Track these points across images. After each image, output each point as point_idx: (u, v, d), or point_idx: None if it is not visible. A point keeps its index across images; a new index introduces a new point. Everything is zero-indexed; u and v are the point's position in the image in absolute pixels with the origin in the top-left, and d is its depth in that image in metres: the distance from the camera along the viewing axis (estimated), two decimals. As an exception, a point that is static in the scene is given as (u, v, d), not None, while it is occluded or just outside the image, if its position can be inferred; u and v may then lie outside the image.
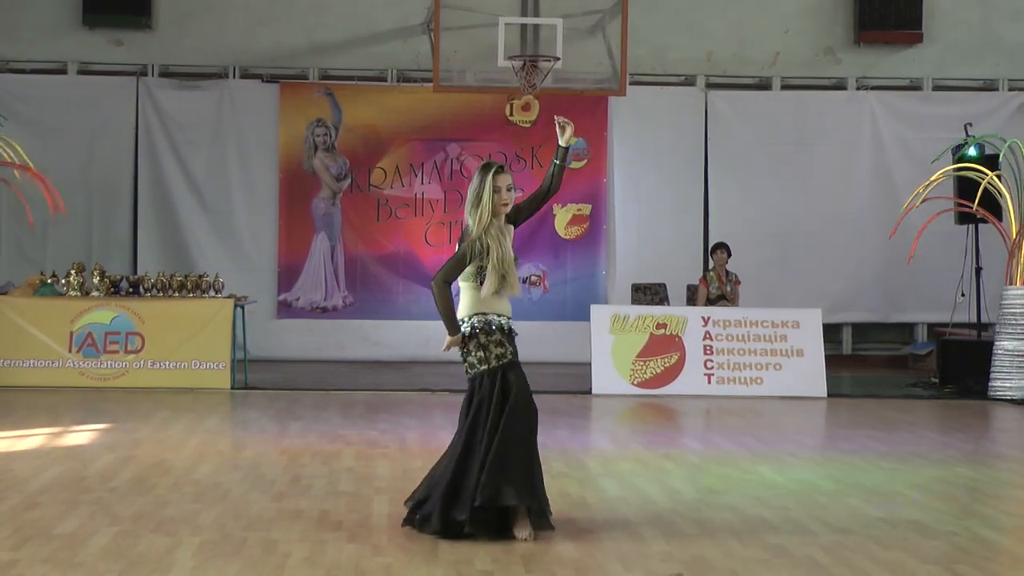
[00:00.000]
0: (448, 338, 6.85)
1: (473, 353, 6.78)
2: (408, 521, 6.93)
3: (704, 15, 17.92)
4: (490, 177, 6.77)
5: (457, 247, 6.85)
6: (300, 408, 12.27)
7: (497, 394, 6.72)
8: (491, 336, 6.77)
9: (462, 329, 6.81)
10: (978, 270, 15.12)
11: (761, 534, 6.98)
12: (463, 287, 6.86)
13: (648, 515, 7.43)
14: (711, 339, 13.96)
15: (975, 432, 11.68)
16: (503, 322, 6.82)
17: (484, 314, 6.79)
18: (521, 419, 6.71)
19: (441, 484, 6.76)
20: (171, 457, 9.25)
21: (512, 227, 6.93)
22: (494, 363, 6.74)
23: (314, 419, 11.49)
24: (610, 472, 8.92)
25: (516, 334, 6.91)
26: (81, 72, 17.33)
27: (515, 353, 6.84)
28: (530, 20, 14.26)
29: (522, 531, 6.67)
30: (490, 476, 6.58)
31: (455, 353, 6.92)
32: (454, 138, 17.40)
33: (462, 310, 6.84)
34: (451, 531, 6.65)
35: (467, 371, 6.85)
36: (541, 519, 6.79)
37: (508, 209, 6.83)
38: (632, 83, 16.02)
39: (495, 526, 6.69)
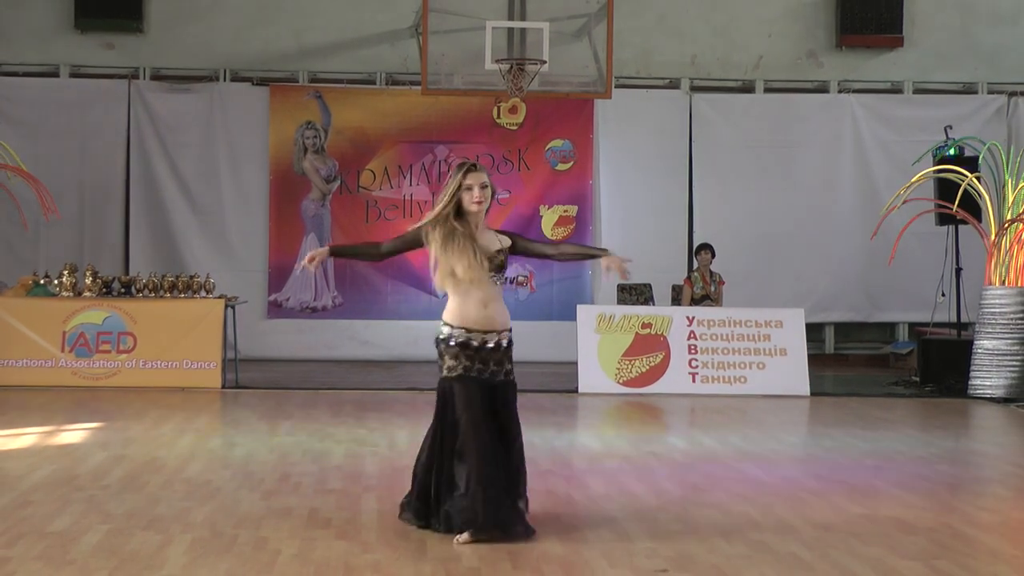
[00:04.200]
0: (318, 250, 6.92)
1: (439, 360, 6.88)
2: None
3: (688, 19, 18.01)
4: (460, 174, 6.80)
5: None
6: (290, 407, 12.32)
7: (440, 407, 6.84)
8: (450, 348, 6.80)
9: (437, 329, 6.90)
10: (958, 270, 15.24)
11: (745, 531, 7.04)
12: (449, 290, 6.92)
13: (634, 512, 7.49)
14: (696, 338, 14.06)
15: (955, 430, 11.79)
16: (468, 337, 6.77)
17: (451, 325, 6.82)
18: (459, 439, 6.70)
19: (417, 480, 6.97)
20: (162, 455, 9.30)
21: (495, 233, 7.00)
22: (445, 373, 6.83)
23: (304, 418, 11.54)
24: (596, 470, 8.98)
25: (490, 347, 6.83)
26: (73, 75, 17.35)
27: (470, 368, 6.74)
28: (517, 24, 14.26)
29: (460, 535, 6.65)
30: (471, 499, 6.58)
31: None
32: (442, 140, 17.48)
33: (446, 313, 6.90)
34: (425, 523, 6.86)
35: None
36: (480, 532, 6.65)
37: (481, 207, 6.80)
38: (617, 86, 16.10)
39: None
